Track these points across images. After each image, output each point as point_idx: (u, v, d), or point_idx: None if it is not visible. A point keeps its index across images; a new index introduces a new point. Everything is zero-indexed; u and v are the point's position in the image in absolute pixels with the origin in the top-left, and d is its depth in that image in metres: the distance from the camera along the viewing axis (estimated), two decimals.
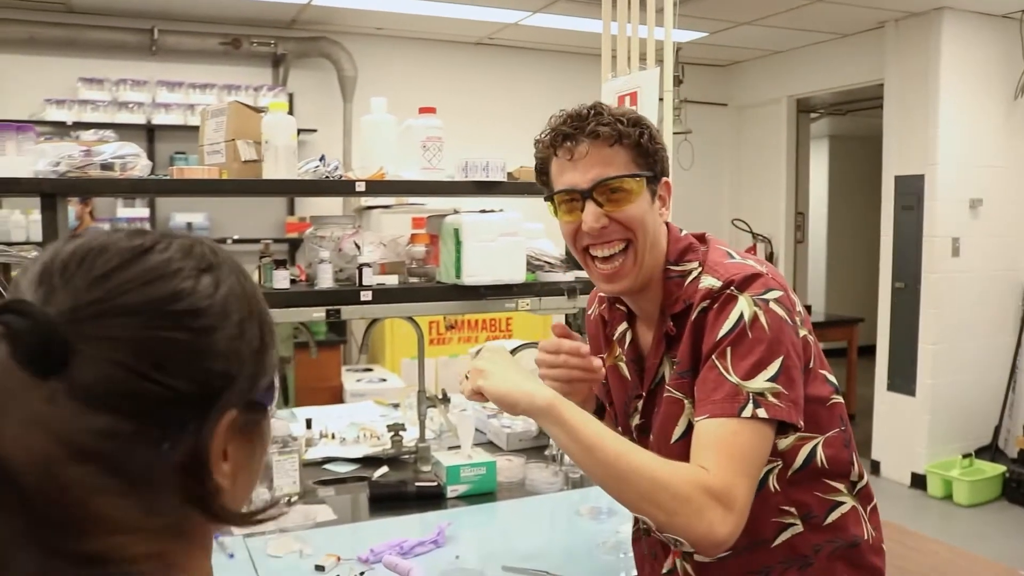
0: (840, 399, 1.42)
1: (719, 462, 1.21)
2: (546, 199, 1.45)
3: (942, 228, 5.44)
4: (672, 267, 1.41)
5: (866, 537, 1.43)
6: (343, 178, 2.36)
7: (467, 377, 1.32)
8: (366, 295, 2.30)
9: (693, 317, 1.33)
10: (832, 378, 1.40)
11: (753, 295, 1.30)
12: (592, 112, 1.36)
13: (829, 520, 1.39)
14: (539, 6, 5.31)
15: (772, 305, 1.29)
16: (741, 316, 1.28)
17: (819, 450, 1.37)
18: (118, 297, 0.62)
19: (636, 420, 1.48)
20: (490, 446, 2.79)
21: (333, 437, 2.79)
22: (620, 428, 1.54)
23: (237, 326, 0.67)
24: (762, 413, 1.23)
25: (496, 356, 1.32)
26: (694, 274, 1.38)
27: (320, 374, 5.18)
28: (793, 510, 1.37)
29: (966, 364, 5.59)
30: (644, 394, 1.45)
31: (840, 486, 1.40)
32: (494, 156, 2.42)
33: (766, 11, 5.45)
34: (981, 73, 5.48)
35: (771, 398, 1.24)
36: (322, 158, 2.40)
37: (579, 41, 5.92)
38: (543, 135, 1.43)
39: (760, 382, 1.25)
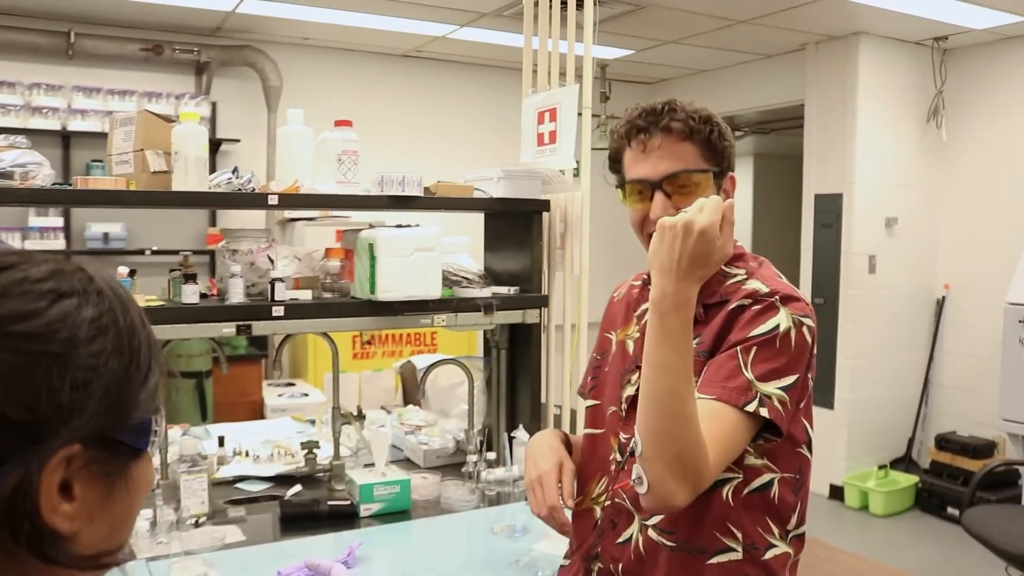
0: (807, 454, 1.47)
1: (715, 451, 1.26)
2: (618, 186, 1.53)
3: (859, 246, 5.58)
4: (723, 266, 1.46)
5: None
6: (255, 191, 2.31)
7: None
8: (278, 310, 2.26)
9: (731, 307, 1.39)
10: (810, 431, 1.46)
11: (793, 313, 1.37)
12: (666, 108, 1.44)
13: (766, 557, 1.42)
14: (466, 20, 5.31)
15: (804, 330, 1.37)
16: (777, 326, 1.35)
17: (775, 484, 1.42)
18: None
19: (630, 391, 1.50)
20: (407, 463, 2.76)
21: (247, 455, 2.73)
22: (595, 399, 1.61)
23: (90, 357, 0.63)
24: (764, 412, 1.30)
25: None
26: (738, 278, 1.45)
27: (240, 389, 5.07)
28: (739, 536, 1.40)
29: (882, 378, 5.74)
30: None
31: (776, 529, 1.44)
32: (410, 170, 2.40)
33: (691, 31, 5.53)
34: (896, 96, 5.65)
35: (776, 403, 1.31)
36: (235, 170, 2.34)
37: (505, 55, 5.93)
38: (618, 127, 1.50)
39: (772, 387, 1.32)
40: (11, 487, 0.59)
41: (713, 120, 1.45)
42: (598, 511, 1.55)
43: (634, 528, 1.46)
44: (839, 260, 5.65)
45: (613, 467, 1.53)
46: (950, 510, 5.26)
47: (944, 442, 5.52)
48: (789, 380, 1.33)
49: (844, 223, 5.61)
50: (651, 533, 1.43)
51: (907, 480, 5.57)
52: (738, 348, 1.34)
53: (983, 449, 5.32)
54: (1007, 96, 5.48)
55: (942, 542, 4.99)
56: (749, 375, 1.32)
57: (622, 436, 1.51)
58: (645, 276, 1.62)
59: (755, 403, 1.30)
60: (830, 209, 5.69)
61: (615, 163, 1.53)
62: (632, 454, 1.29)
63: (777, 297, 1.38)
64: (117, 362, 0.65)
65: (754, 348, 1.34)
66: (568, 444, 1.65)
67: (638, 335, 1.54)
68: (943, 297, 5.89)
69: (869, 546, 4.85)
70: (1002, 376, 4.83)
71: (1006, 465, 4.86)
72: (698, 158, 1.44)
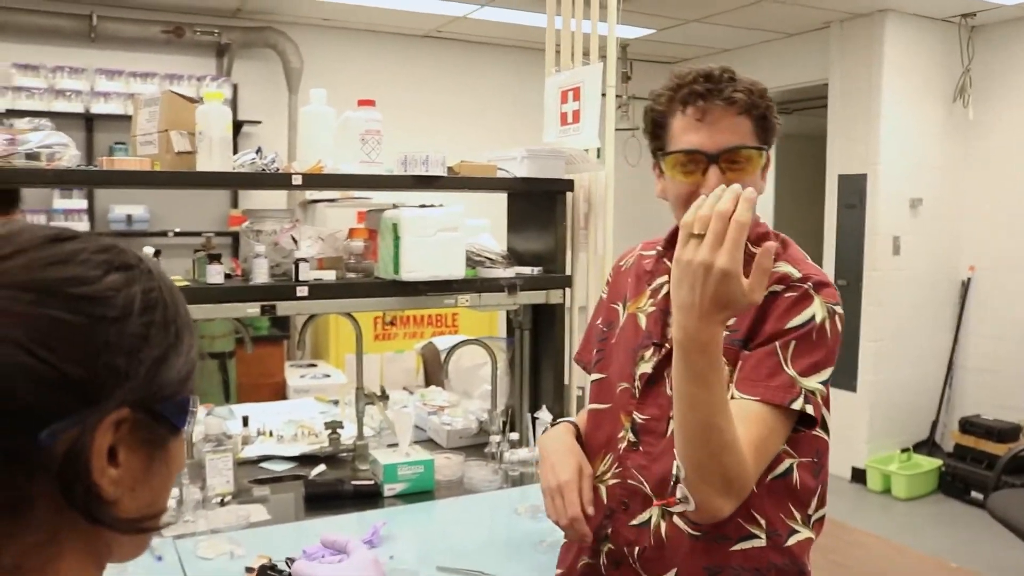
0: (825, 436, 1.44)
1: (754, 458, 1.25)
2: (658, 153, 1.43)
3: (883, 227, 5.53)
4: (749, 244, 1.37)
5: (809, 568, 1.45)
6: (279, 171, 2.31)
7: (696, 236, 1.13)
8: (302, 291, 2.26)
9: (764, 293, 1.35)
10: (827, 415, 1.42)
11: (827, 302, 1.35)
12: (726, 76, 1.36)
13: (789, 543, 1.41)
14: (487, 0, 5.28)
15: (837, 320, 1.36)
16: (813, 317, 1.33)
17: (795, 469, 1.41)
18: (17, 274, 0.62)
19: (645, 368, 1.47)
20: (430, 444, 2.77)
21: (271, 435, 2.74)
22: (600, 372, 1.57)
23: (141, 327, 0.67)
24: (809, 409, 1.29)
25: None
26: None
27: (263, 370, 5.10)
28: (763, 523, 1.39)
29: (905, 361, 5.69)
30: (667, 347, 1.42)
31: (798, 515, 1.42)
32: (434, 150, 2.39)
33: (714, 9, 5.48)
34: (922, 75, 5.58)
35: (818, 398, 1.30)
36: (258, 150, 2.34)
37: (525, 35, 5.90)
38: (665, 89, 1.41)
39: (814, 382, 1.31)
40: (66, 445, 0.62)
41: (768, 96, 1.39)
42: (603, 490, 1.52)
43: (653, 513, 1.44)
44: (863, 241, 5.61)
45: (623, 445, 1.49)
46: (974, 494, 5.22)
47: (968, 425, 5.47)
48: (827, 373, 1.33)
49: (868, 204, 5.56)
50: (676, 520, 1.41)
51: (930, 464, 5.54)
52: (777, 344, 1.32)
53: (1008, 433, 5.28)
54: None
55: (966, 526, 4.96)
56: (791, 372, 1.30)
57: (636, 416, 1.47)
58: (659, 246, 1.56)
59: (800, 400, 1.28)
60: (854, 190, 5.64)
61: (657, 128, 1.42)
62: (677, 480, 1.26)
63: (810, 284, 1.35)
64: (163, 337, 0.69)
65: (793, 343, 1.31)
66: (580, 436, 1.62)
67: (652, 309, 1.50)
68: (968, 279, 5.83)
69: (891, 529, 4.83)
70: None
71: None
72: (751, 134, 1.37)
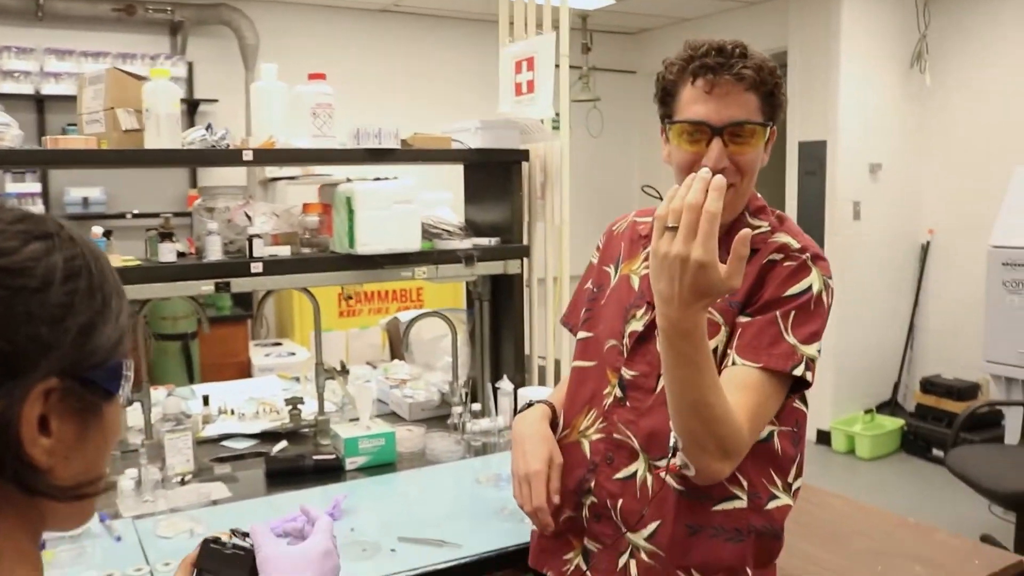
0: (803, 408, 1.51)
1: (750, 424, 1.31)
2: (664, 121, 1.46)
3: (843, 192, 5.58)
4: (747, 215, 1.49)
5: (784, 534, 1.50)
6: (230, 147, 2.28)
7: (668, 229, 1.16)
8: (256, 267, 2.24)
9: (763, 261, 1.41)
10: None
11: (822, 274, 1.41)
12: (738, 51, 1.38)
13: (768, 507, 1.46)
14: None
15: (830, 292, 1.42)
16: (810, 287, 1.39)
17: (776, 436, 1.46)
18: None
19: (635, 326, 1.51)
20: (392, 417, 2.77)
21: (232, 413, 2.73)
22: (588, 331, 1.61)
23: (64, 296, 0.66)
24: (809, 376, 1.36)
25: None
26: (763, 229, 1.46)
27: (227, 350, 5.06)
28: (745, 484, 1.43)
29: (867, 324, 5.77)
30: None
31: (779, 480, 1.48)
32: (387, 123, 2.37)
33: None
34: (880, 42, 5.61)
35: (815, 364, 1.38)
36: (208, 126, 2.31)
37: (480, 7, 5.85)
38: (678, 59, 1.43)
39: (812, 349, 1.37)
40: None
41: (776, 71, 1.41)
42: (586, 444, 1.56)
43: (639, 467, 1.48)
44: (823, 207, 5.65)
45: (609, 401, 1.53)
46: (935, 452, 5.32)
47: (929, 385, 5.57)
48: (820, 342, 1.39)
49: (828, 170, 5.60)
50: (663, 475, 1.44)
51: (893, 423, 5.63)
52: (777, 312, 1.37)
53: (967, 391, 5.38)
54: (991, 40, 5.45)
55: (927, 483, 5.06)
56: (792, 340, 1.36)
57: (625, 372, 1.51)
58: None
59: (802, 367, 1.35)
60: (814, 156, 5.68)
61: (667, 96, 1.46)
62: (675, 448, 1.31)
63: (808, 255, 1.41)
64: (89, 304, 0.68)
65: (793, 313, 1.37)
66: (555, 418, 1.66)
67: (645, 271, 1.53)
68: (927, 242, 5.90)
69: (856, 489, 4.91)
70: (986, 319, 4.86)
71: (989, 406, 4.92)
72: (757, 110, 1.40)
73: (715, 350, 1.39)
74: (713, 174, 1.32)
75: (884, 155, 5.71)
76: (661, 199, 1.35)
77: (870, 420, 5.66)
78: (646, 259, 1.55)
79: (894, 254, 5.87)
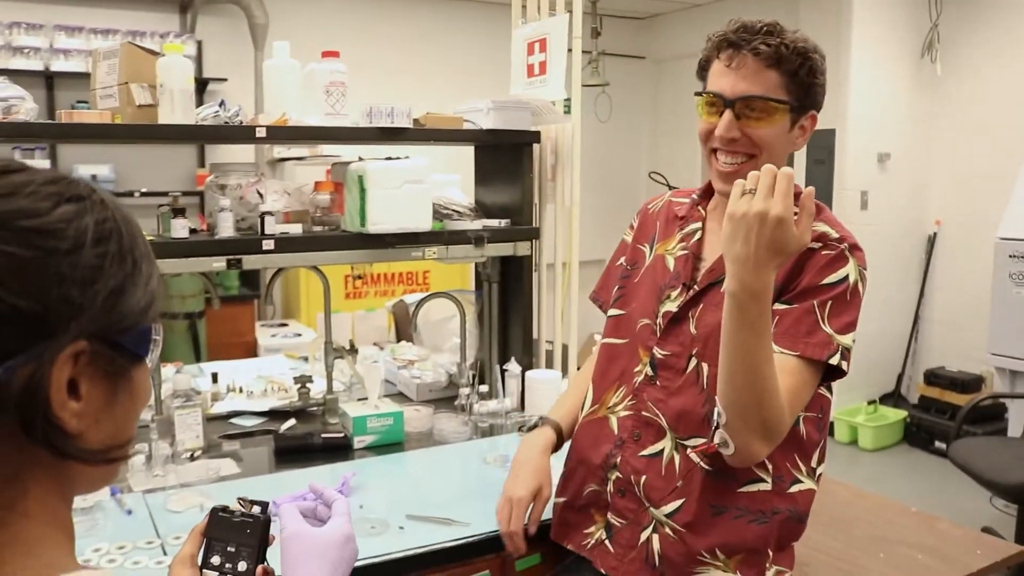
0: (828, 394, 1.54)
1: (789, 408, 1.33)
2: (696, 94, 1.52)
3: (851, 182, 5.57)
4: None
5: (807, 518, 1.53)
6: (243, 124, 2.28)
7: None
8: (268, 244, 2.24)
9: None
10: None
11: (858, 265, 1.43)
12: (764, 29, 1.42)
13: (791, 490, 1.48)
14: None
15: (865, 283, 1.45)
16: (847, 277, 1.41)
17: (801, 421, 1.48)
18: None
19: (669, 307, 1.54)
20: (400, 398, 2.78)
21: (240, 391, 2.74)
22: (620, 308, 1.64)
23: (95, 258, 0.66)
24: (844, 365, 1.39)
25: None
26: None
27: (233, 329, 5.08)
28: (770, 467, 1.46)
29: (872, 314, 5.75)
30: (696, 288, 1.52)
31: (803, 465, 1.50)
32: (399, 102, 2.37)
33: None
34: (890, 31, 5.59)
35: (850, 353, 1.40)
36: (222, 103, 2.31)
37: None
38: (714, 35, 1.48)
39: (848, 339, 1.40)
40: (24, 381, 0.62)
41: (808, 53, 1.42)
42: (614, 420, 1.59)
43: (666, 444, 1.50)
44: (831, 196, 5.64)
45: (639, 379, 1.56)
46: (938, 444, 5.33)
47: (933, 377, 5.57)
48: (855, 331, 1.41)
49: (836, 159, 5.59)
50: (690, 454, 1.47)
51: (896, 415, 5.64)
52: (815, 302, 1.39)
53: (971, 383, 5.38)
54: (1002, 30, 5.42)
55: (930, 475, 5.07)
56: (828, 329, 1.38)
57: (657, 351, 1.54)
58: (696, 194, 1.63)
59: (837, 356, 1.37)
60: (822, 145, 5.66)
61: (702, 71, 1.52)
62: (717, 425, 1.35)
63: (846, 245, 1.43)
64: (119, 267, 0.68)
65: (830, 303, 1.39)
66: (560, 442, 1.74)
67: (681, 252, 1.57)
68: (935, 233, 5.89)
69: (858, 479, 4.90)
70: (991, 311, 4.85)
71: (992, 399, 4.92)
72: (779, 87, 1.42)
73: None
74: (707, 141, 1.45)
75: (893, 145, 5.70)
76: (668, 185, 1.39)
77: (873, 411, 5.66)
78: (682, 240, 1.59)
79: (901, 244, 5.86)
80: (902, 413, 5.65)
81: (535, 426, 1.79)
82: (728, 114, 1.43)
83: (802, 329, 1.38)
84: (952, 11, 5.61)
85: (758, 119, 1.42)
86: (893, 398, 5.90)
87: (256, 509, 1.11)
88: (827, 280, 1.40)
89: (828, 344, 1.37)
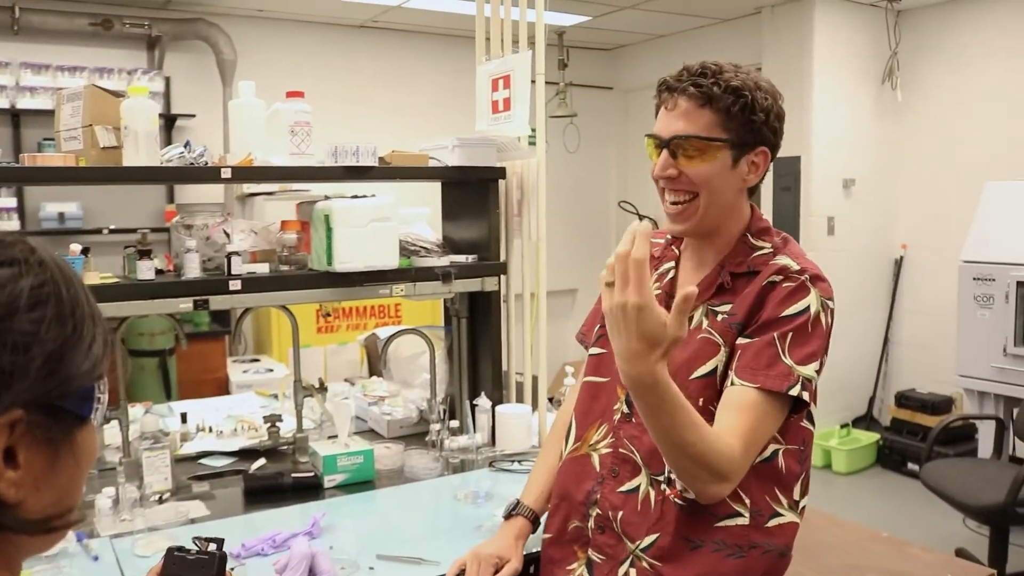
0: (810, 427, 1.53)
1: (745, 444, 1.35)
2: (646, 136, 1.54)
3: (818, 207, 5.65)
4: (749, 236, 1.54)
5: (792, 552, 1.53)
6: (208, 164, 2.28)
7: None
8: (235, 284, 2.24)
9: (763, 283, 1.46)
10: (812, 408, 1.51)
11: (821, 296, 1.44)
12: (699, 71, 1.45)
13: (770, 524, 1.48)
14: None
15: (829, 313, 1.45)
16: (808, 307, 1.42)
17: (780, 455, 1.48)
18: None
19: None
20: (371, 434, 2.77)
21: (210, 431, 2.72)
22: (602, 347, 1.65)
23: (30, 323, 0.64)
24: (805, 396, 1.39)
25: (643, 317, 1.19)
26: (765, 251, 1.51)
27: (205, 366, 5.03)
28: (747, 501, 1.46)
29: (843, 338, 5.79)
30: None
31: (783, 499, 1.49)
32: (365, 141, 2.39)
33: None
34: (852, 58, 5.70)
35: (813, 385, 1.40)
36: (187, 144, 2.32)
37: (460, 24, 5.88)
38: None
39: (809, 370, 1.40)
40: None
41: (742, 91, 1.44)
42: (595, 458, 1.60)
43: (641, 480, 1.51)
44: (798, 222, 5.71)
45: (618, 416, 1.57)
46: (910, 466, 5.37)
47: (904, 399, 5.63)
48: (818, 363, 1.41)
49: (803, 185, 5.66)
50: (664, 489, 1.48)
51: (868, 438, 5.68)
52: (775, 335, 1.40)
53: (941, 405, 5.44)
54: (960, 55, 5.54)
55: (903, 497, 5.11)
56: (788, 361, 1.39)
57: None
58: (670, 234, 1.65)
59: (798, 387, 1.38)
60: (788, 172, 5.74)
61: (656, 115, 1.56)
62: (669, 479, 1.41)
63: (807, 276, 1.44)
64: (58, 330, 0.66)
65: (790, 334, 1.40)
66: (535, 524, 1.77)
67: (657, 292, 1.58)
68: (901, 257, 5.97)
69: (832, 503, 4.95)
70: (958, 333, 4.92)
71: (962, 420, 4.97)
72: (713, 126, 1.44)
73: (715, 370, 1.45)
74: (657, 181, 1.48)
75: (858, 171, 5.79)
76: (638, 214, 1.41)
77: (846, 434, 5.70)
78: (656, 280, 1.62)
79: (869, 269, 5.94)
80: (875, 436, 5.70)
81: (510, 513, 1.80)
82: (664, 153, 1.47)
83: (762, 362, 1.39)
84: (910, 38, 5.73)
85: (691, 157, 1.45)
86: (865, 421, 5.95)
87: (212, 546, 1.11)
88: (787, 312, 1.41)
89: (788, 375, 1.38)
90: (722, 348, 1.46)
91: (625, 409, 1.56)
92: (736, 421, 1.35)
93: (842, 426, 5.74)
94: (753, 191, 1.57)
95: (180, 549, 1.10)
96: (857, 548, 2.29)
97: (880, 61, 5.77)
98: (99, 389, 0.71)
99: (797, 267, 1.46)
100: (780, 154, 5.15)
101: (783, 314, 1.41)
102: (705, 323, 1.49)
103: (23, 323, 0.64)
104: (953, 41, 5.57)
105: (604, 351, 1.65)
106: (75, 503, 0.71)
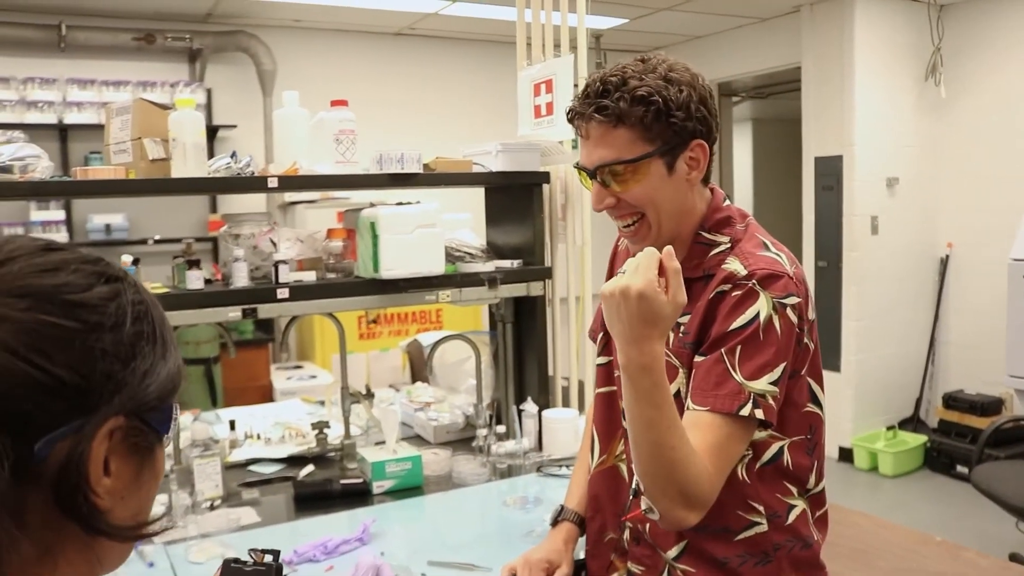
0: (817, 410, 1.44)
1: (715, 467, 1.27)
2: (574, 166, 1.47)
3: (861, 207, 5.57)
4: (704, 233, 1.44)
5: (816, 539, 1.48)
6: (255, 174, 2.31)
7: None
8: (283, 293, 2.26)
9: (711, 296, 1.35)
10: (817, 389, 1.44)
11: (774, 296, 1.32)
12: (601, 89, 1.35)
13: (790, 520, 1.44)
14: None
15: (788, 312, 1.32)
16: (757, 315, 1.31)
17: (786, 451, 1.42)
18: (10, 281, 0.62)
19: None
20: (417, 440, 2.78)
21: (258, 438, 2.75)
22: (608, 355, 1.60)
23: (133, 336, 0.67)
24: (759, 414, 1.28)
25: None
26: (722, 247, 1.41)
27: (249, 373, 5.09)
28: (761, 509, 1.41)
29: (888, 339, 5.74)
30: None
31: (794, 489, 1.45)
32: (409, 148, 2.40)
33: None
34: (894, 55, 5.62)
35: (770, 400, 1.30)
36: (233, 154, 2.34)
37: (496, 29, 5.90)
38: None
39: (763, 384, 1.30)
40: (62, 455, 0.62)
41: (651, 97, 1.32)
42: (623, 468, 1.57)
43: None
44: (841, 222, 5.65)
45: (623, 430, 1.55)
46: (959, 468, 5.28)
47: (952, 401, 5.53)
48: (777, 373, 1.31)
49: (845, 185, 5.60)
50: (624, 521, 1.47)
51: (915, 440, 5.59)
52: (723, 351, 1.31)
53: (991, 406, 5.34)
54: (1005, 50, 5.44)
55: (952, 500, 5.02)
56: (739, 378, 1.29)
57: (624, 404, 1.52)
58: None
59: (749, 406, 1.28)
60: (830, 171, 5.68)
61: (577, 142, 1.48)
62: (638, 491, 1.32)
63: (755, 281, 1.32)
64: (151, 348, 0.69)
65: (739, 348, 1.30)
66: (582, 527, 1.71)
67: None
68: (946, 255, 5.88)
69: (879, 506, 4.88)
70: (1008, 332, 4.82)
71: (1014, 421, 4.87)
72: (634, 142, 1.34)
73: (676, 393, 1.36)
74: (599, 210, 1.41)
75: (901, 169, 5.70)
76: None
77: (892, 437, 5.62)
78: None
79: (914, 268, 5.85)
80: (922, 438, 5.60)
81: (557, 519, 1.77)
82: (595, 185, 1.40)
83: (711, 381, 1.31)
84: (955, 34, 5.64)
85: (624, 181, 1.37)
86: (912, 423, 5.85)
87: (268, 558, 1.11)
88: (735, 324, 1.31)
89: (738, 394, 1.28)
90: (680, 370, 1.39)
91: (624, 424, 1.51)
92: (699, 443, 1.27)
93: (888, 428, 5.65)
94: (706, 180, 1.46)
95: (236, 561, 1.10)
96: (909, 552, 2.25)
97: (922, 58, 5.69)
98: (176, 411, 0.74)
99: (744, 272, 1.34)
100: (821, 153, 5.12)
101: (731, 327, 1.32)
102: (668, 343, 1.41)
103: (129, 335, 0.67)
104: (998, 36, 5.48)
105: (611, 358, 1.60)
106: (148, 518, 0.73)
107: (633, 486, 1.31)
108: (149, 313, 0.70)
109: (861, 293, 5.63)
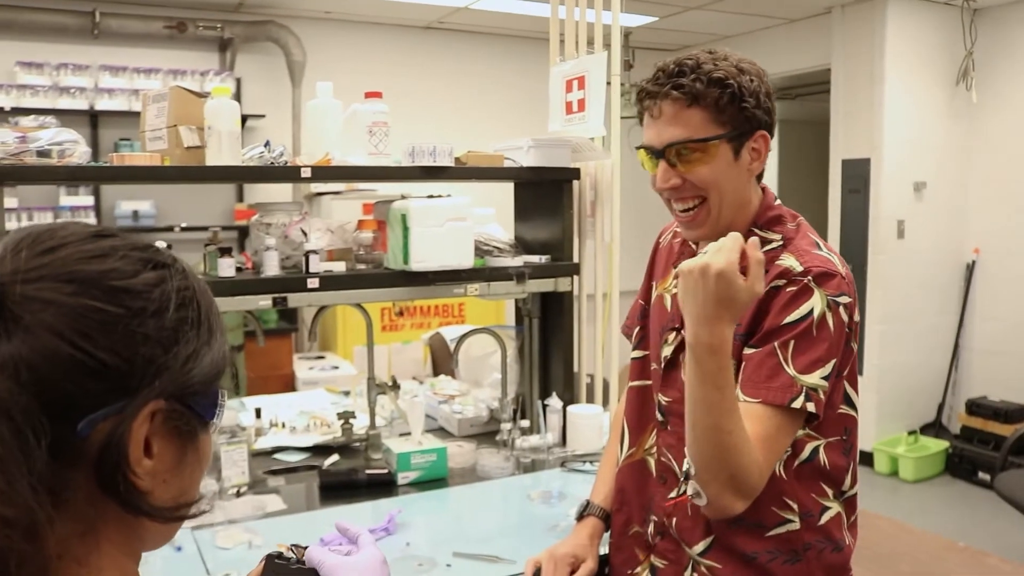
0: (851, 412, 1.46)
1: (764, 458, 1.28)
2: (636, 148, 1.48)
3: (887, 211, 5.54)
4: (757, 229, 1.45)
5: (848, 543, 1.49)
6: (288, 164, 2.32)
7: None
8: (313, 282, 2.27)
9: (767, 288, 1.34)
10: (852, 393, 1.45)
11: (828, 294, 1.34)
12: (677, 70, 1.37)
13: (822, 521, 1.44)
14: None
15: (841, 310, 1.35)
16: (812, 311, 1.33)
17: (821, 451, 1.43)
18: (59, 266, 0.64)
19: (667, 351, 1.52)
20: (441, 432, 2.79)
21: (283, 426, 2.77)
22: (643, 350, 1.63)
23: (176, 322, 0.68)
24: (811, 407, 1.30)
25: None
26: (774, 244, 1.43)
27: (271, 362, 5.12)
28: (795, 507, 1.42)
29: (911, 344, 5.71)
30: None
31: (830, 491, 1.45)
32: (441, 141, 2.40)
33: None
34: (924, 59, 5.57)
35: (821, 394, 1.31)
36: (267, 144, 2.36)
37: (528, 25, 5.90)
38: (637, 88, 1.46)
39: (816, 378, 1.31)
40: (104, 435, 0.64)
41: (727, 81, 1.35)
42: (651, 462, 1.59)
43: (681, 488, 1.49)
44: (867, 225, 5.61)
45: (657, 425, 1.56)
46: (981, 475, 5.24)
47: (975, 407, 5.49)
48: (830, 367, 1.33)
49: (872, 188, 5.56)
50: (666, 506, 1.48)
51: (937, 445, 5.56)
52: (776, 344, 1.33)
53: (1014, 413, 5.29)
54: None
55: (974, 507, 4.98)
56: (791, 371, 1.31)
57: (660, 398, 1.53)
58: None
59: (801, 398, 1.30)
60: (857, 174, 5.64)
61: (640, 121, 1.48)
62: (687, 475, 1.31)
63: (810, 277, 1.35)
64: (196, 333, 0.70)
65: (792, 342, 1.32)
66: (607, 523, 1.72)
67: (675, 291, 1.51)
68: (973, 261, 5.83)
69: (899, 511, 4.84)
70: None
71: None
72: (706, 124, 1.37)
73: None
74: (660, 192, 1.43)
75: (929, 173, 5.66)
76: None
77: (914, 442, 5.59)
78: (676, 277, 1.53)
79: (939, 273, 5.80)
80: (944, 443, 5.57)
81: (583, 513, 1.78)
82: (662, 164, 1.40)
83: (763, 373, 1.32)
84: (987, 38, 5.58)
85: (691, 162, 1.39)
86: (934, 428, 5.81)
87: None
88: (789, 319, 1.33)
89: (791, 387, 1.30)
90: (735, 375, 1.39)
91: (659, 417, 1.54)
92: (750, 434, 1.27)
93: (909, 433, 5.62)
94: (760, 177, 1.49)
95: (280, 556, 1.11)
96: (933, 557, 2.25)
97: (954, 62, 5.64)
98: (222, 397, 0.75)
99: (800, 268, 1.36)
100: (849, 156, 5.11)
101: (785, 321, 1.33)
102: None
103: (171, 321, 0.68)
104: None
105: (646, 353, 1.62)
106: (195, 497, 0.74)
107: (685, 467, 1.32)
108: (195, 299, 0.71)
109: (886, 297, 5.59)
